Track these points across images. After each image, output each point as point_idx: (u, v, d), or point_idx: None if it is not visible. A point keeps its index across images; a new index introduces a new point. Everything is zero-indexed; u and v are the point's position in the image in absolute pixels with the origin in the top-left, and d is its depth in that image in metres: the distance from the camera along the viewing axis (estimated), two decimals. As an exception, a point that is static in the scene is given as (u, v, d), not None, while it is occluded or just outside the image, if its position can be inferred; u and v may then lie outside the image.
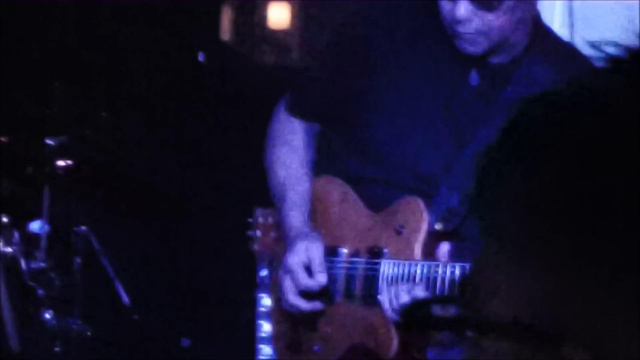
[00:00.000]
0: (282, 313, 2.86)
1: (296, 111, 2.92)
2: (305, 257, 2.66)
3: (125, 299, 4.88)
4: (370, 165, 2.72)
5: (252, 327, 3.94)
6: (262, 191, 4.49)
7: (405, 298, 2.46)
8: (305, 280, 2.64)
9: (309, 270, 2.67)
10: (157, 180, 5.51)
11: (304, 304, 2.67)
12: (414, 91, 2.67)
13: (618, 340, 0.92)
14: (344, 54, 2.81)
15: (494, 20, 2.51)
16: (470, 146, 2.58)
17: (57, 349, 4.71)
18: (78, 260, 4.78)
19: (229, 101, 5.78)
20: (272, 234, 4.01)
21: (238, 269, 4.51)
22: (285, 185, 2.85)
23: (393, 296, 2.48)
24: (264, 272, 3.99)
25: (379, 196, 2.71)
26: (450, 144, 2.64)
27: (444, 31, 2.59)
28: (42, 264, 4.72)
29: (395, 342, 2.55)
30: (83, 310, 4.86)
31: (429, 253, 2.57)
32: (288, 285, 2.68)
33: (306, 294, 2.68)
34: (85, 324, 4.82)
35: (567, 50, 2.68)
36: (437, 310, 2.57)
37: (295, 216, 2.79)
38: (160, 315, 5.21)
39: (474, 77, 2.61)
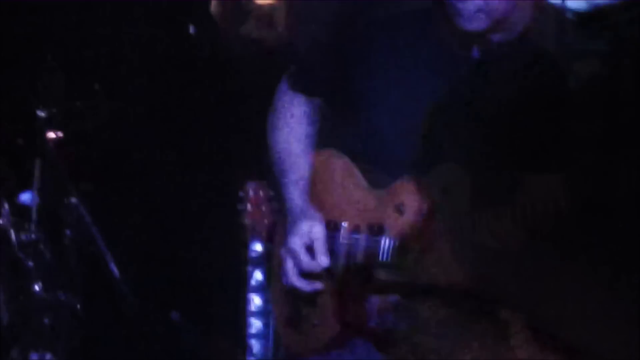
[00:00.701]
0: (282, 289, 2.86)
1: (299, 87, 2.94)
2: (308, 238, 2.70)
3: (115, 271, 4.87)
4: (370, 143, 2.74)
5: (243, 301, 4.25)
6: (253, 165, 4.52)
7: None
8: (307, 263, 2.69)
9: (311, 250, 2.71)
10: (148, 154, 5.51)
11: (306, 285, 2.72)
12: (415, 70, 2.69)
13: (551, 304, 0.99)
14: (346, 32, 2.82)
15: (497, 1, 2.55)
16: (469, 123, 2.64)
17: (46, 320, 4.73)
18: (68, 232, 4.79)
19: (221, 77, 5.77)
20: (263, 208, 4.29)
21: (229, 243, 4.66)
22: (286, 162, 2.88)
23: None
24: (256, 246, 4.33)
25: (379, 174, 2.73)
26: (451, 121, 2.67)
27: (444, 10, 2.62)
28: (33, 236, 4.72)
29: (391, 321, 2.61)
30: (72, 282, 4.87)
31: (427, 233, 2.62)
32: (290, 266, 2.72)
33: (308, 274, 2.72)
34: (74, 296, 4.84)
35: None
36: (379, 274, 2.41)
37: (297, 195, 2.81)
38: (150, 289, 5.20)
39: (475, 54, 2.65)
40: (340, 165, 2.82)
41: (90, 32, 5.61)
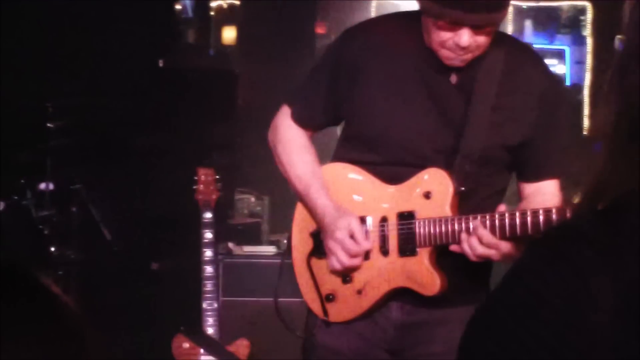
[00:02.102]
0: (324, 272, 2.82)
1: (302, 122, 2.92)
2: (348, 230, 2.71)
3: (108, 235, 5.50)
4: (374, 153, 2.75)
5: (199, 252, 4.63)
6: (203, 155, 5.39)
7: (479, 248, 2.52)
8: (354, 248, 2.71)
9: (353, 238, 2.72)
10: (131, 147, 5.99)
11: (356, 262, 2.73)
12: (404, 92, 2.70)
13: None
14: (341, 67, 2.79)
15: (484, 40, 2.58)
16: (457, 129, 2.66)
17: (60, 272, 5.31)
18: (74, 209, 5.41)
19: (182, 87, 6.27)
20: (211, 187, 4.80)
21: (189, 213, 5.12)
22: (308, 179, 2.82)
23: (469, 246, 2.52)
24: (207, 214, 4.76)
25: (389, 174, 2.75)
26: (439, 129, 2.70)
27: (424, 45, 2.65)
28: (48, 212, 5.33)
29: (438, 282, 2.63)
30: (78, 244, 5.43)
31: (455, 212, 2.65)
32: (341, 253, 2.70)
33: (354, 256, 2.74)
34: (79, 254, 5.41)
35: (511, 42, 2.77)
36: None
37: (326, 202, 2.77)
38: (134, 246, 5.73)
39: (453, 78, 2.66)
40: (348, 172, 2.83)
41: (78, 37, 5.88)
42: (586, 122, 6.68)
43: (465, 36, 2.53)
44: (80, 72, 5.79)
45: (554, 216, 2.47)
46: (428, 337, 2.76)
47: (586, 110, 6.55)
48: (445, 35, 2.56)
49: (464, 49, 2.56)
